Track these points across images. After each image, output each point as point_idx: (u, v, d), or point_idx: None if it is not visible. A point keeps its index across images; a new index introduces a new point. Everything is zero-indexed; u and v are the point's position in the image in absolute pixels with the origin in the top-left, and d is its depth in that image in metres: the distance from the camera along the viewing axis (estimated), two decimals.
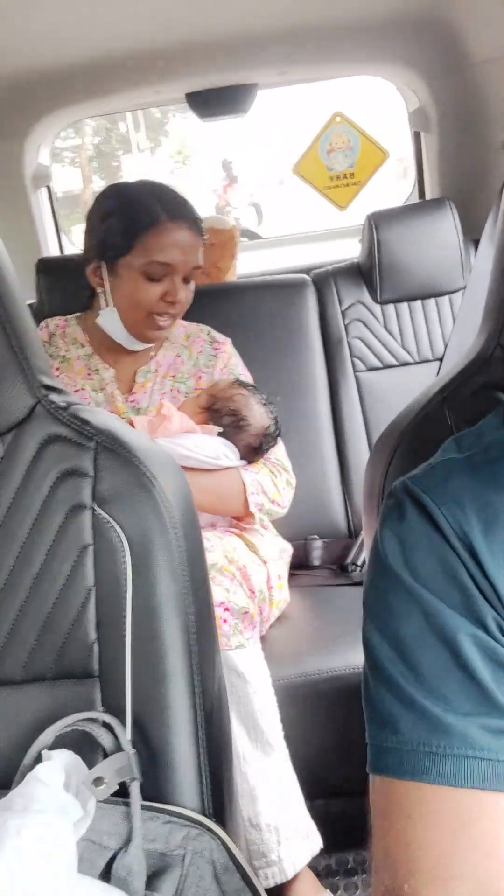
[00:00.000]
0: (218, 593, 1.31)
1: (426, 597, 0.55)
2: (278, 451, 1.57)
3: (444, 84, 1.95)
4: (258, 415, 1.49)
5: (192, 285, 1.52)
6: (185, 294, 1.50)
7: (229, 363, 1.60)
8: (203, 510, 1.45)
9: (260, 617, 1.43)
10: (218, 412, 1.48)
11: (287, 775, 1.31)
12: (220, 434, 1.47)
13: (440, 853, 0.50)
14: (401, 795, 0.52)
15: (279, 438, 1.56)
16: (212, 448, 1.43)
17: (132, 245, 1.44)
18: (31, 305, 1.94)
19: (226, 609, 1.30)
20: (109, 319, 1.50)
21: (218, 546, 1.39)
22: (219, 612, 1.29)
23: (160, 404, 1.47)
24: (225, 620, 1.29)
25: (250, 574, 1.41)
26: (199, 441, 1.43)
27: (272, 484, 1.50)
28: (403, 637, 0.55)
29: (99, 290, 1.51)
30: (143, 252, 1.44)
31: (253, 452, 1.50)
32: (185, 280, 1.49)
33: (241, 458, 1.49)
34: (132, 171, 12.72)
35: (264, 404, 1.52)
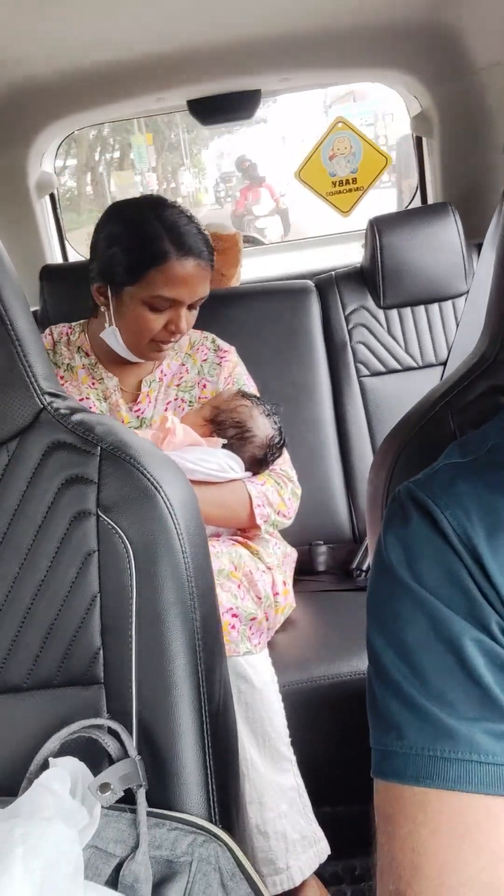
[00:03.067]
0: (226, 599, 1.30)
1: (430, 601, 0.55)
2: (283, 462, 1.56)
3: (445, 89, 1.96)
4: (262, 426, 1.48)
5: (197, 310, 1.51)
6: (189, 321, 1.48)
7: (234, 372, 1.59)
8: (209, 523, 1.44)
9: (267, 623, 1.43)
10: (222, 424, 1.47)
11: (295, 782, 1.31)
12: (224, 446, 1.46)
13: (445, 859, 0.50)
14: (405, 800, 0.52)
15: (284, 448, 1.56)
16: (217, 461, 1.42)
17: (138, 279, 1.41)
18: (34, 312, 1.94)
19: (234, 615, 1.30)
20: (112, 338, 1.49)
21: (224, 552, 1.39)
22: (227, 619, 1.29)
23: (163, 417, 1.46)
24: (233, 627, 1.29)
25: (256, 580, 1.41)
26: (204, 454, 1.42)
27: (277, 495, 1.49)
28: (408, 642, 0.55)
29: (103, 308, 1.49)
30: (149, 286, 1.41)
31: (258, 464, 1.49)
32: (190, 307, 1.48)
33: (247, 469, 1.48)
34: None
35: (268, 415, 1.50)
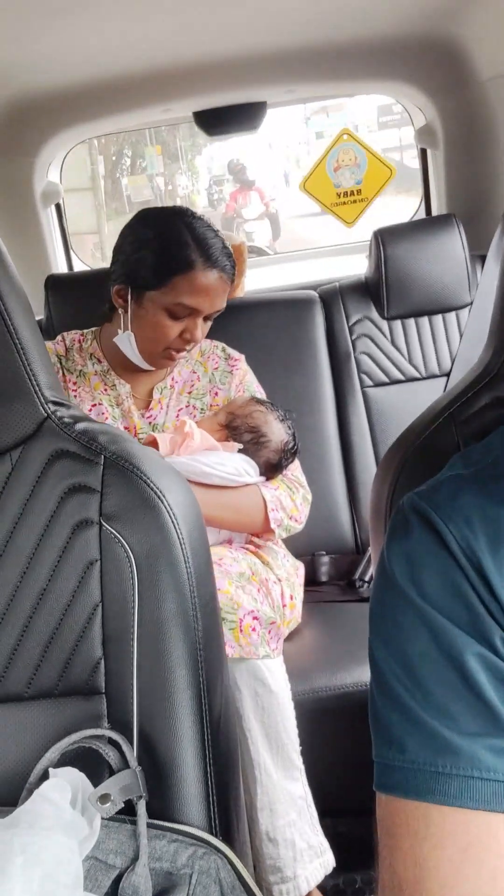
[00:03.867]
0: (247, 602, 1.30)
1: (433, 615, 0.55)
2: (294, 468, 1.57)
3: (450, 101, 1.97)
4: (277, 431, 1.50)
5: (211, 321, 1.53)
6: (203, 332, 1.50)
7: (244, 380, 1.61)
8: (224, 527, 1.45)
9: (284, 629, 1.43)
10: (237, 429, 1.49)
11: (303, 791, 1.30)
12: (240, 451, 1.47)
13: (446, 874, 0.49)
14: (407, 815, 0.52)
15: (296, 454, 1.57)
16: (233, 464, 1.44)
17: (163, 284, 1.43)
18: (39, 322, 1.95)
19: (255, 618, 1.30)
20: (126, 343, 1.50)
21: (242, 558, 1.40)
22: (248, 621, 1.28)
23: (182, 421, 1.47)
24: (254, 629, 1.28)
25: (270, 589, 1.42)
26: (221, 458, 1.43)
27: (290, 500, 1.50)
28: (410, 655, 0.55)
29: (121, 310, 1.50)
30: (172, 293, 1.43)
31: (273, 469, 1.50)
32: (206, 318, 1.50)
33: (261, 474, 1.49)
34: None
35: (282, 420, 1.52)
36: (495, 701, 0.51)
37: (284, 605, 1.47)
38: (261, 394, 1.62)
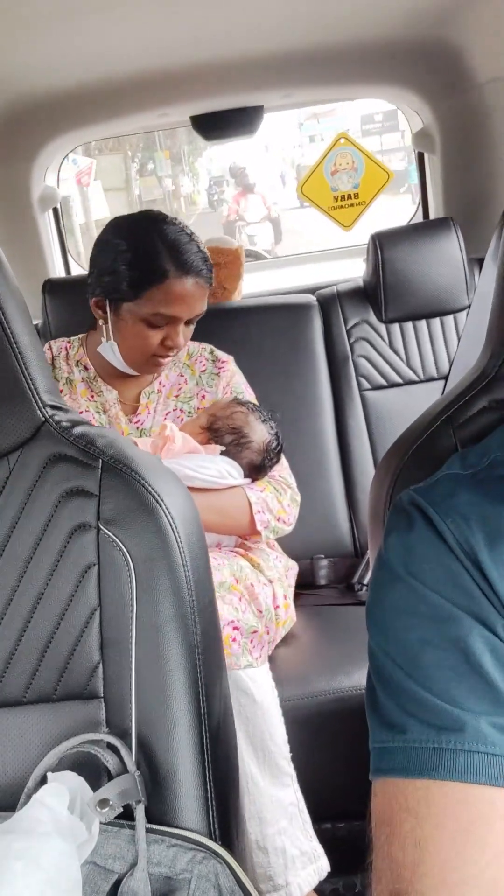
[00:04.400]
0: (227, 612, 1.30)
1: (434, 600, 0.55)
2: (282, 469, 1.57)
3: (446, 105, 1.97)
4: (259, 431, 1.49)
5: (194, 325, 1.52)
6: (186, 336, 1.50)
7: (232, 381, 1.60)
8: (210, 530, 1.45)
9: (268, 636, 1.42)
10: (219, 431, 1.48)
11: (295, 797, 1.30)
12: (222, 453, 1.47)
13: (448, 855, 0.49)
14: (408, 795, 0.51)
15: (282, 455, 1.56)
16: (216, 467, 1.43)
17: (138, 296, 1.42)
18: (36, 326, 1.95)
19: (235, 628, 1.30)
20: (110, 352, 1.50)
21: (225, 565, 1.39)
22: (228, 632, 1.28)
23: (162, 425, 1.47)
24: (234, 640, 1.29)
25: (257, 593, 1.41)
26: (203, 461, 1.43)
27: (277, 501, 1.50)
28: (411, 642, 0.55)
29: (101, 322, 1.50)
30: (148, 304, 1.42)
31: (256, 470, 1.50)
32: (187, 323, 1.49)
33: (245, 476, 1.49)
34: None
35: (264, 421, 1.52)
36: (499, 681, 0.51)
37: (277, 607, 1.47)
38: (250, 396, 1.61)
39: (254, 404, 1.55)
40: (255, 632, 1.33)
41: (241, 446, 1.48)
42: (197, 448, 1.45)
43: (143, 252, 1.42)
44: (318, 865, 1.29)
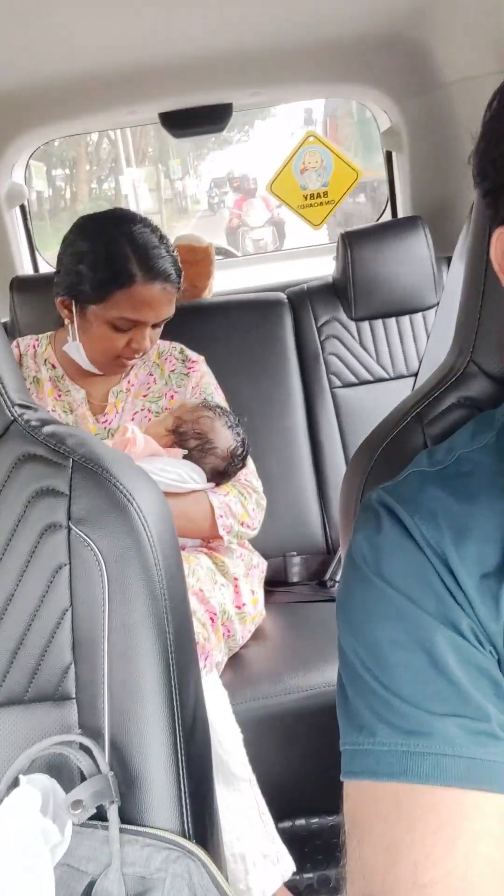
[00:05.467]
0: None
1: (401, 602, 0.55)
2: (248, 472, 1.56)
3: (414, 104, 1.99)
4: (224, 437, 1.48)
5: (161, 327, 1.50)
6: (153, 338, 1.48)
7: (201, 382, 1.59)
8: None
9: (227, 639, 1.41)
10: (184, 435, 1.46)
11: (253, 802, 1.28)
12: (185, 457, 1.45)
13: (418, 857, 0.49)
14: (378, 798, 0.52)
15: (249, 459, 1.55)
16: (178, 471, 1.42)
17: (103, 299, 1.40)
18: (4, 324, 1.93)
19: None
20: (76, 352, 1.49)
21: None
22: None
23: (124, 427, 1.46)
24: None
25: (210, 597, 1.39)
26: (165, 464, 1.41)
27: (241, 506, 1.49)
28: (380, 642, 0.55)
29: (67, 321, 1.48)
30: (114, 307, 1.40)
31: (220, 475, 1.49)
32: (154, 326, 1.47)
33: (209, 480, 1.47)
34: None
35: (230, 427, 1.50)
36: (465, 683, 0.52)
37: (244, 604, 1.47)
38: (219, 397, 1.60)
39: (221, 408, 1.54)
40: (196, 643, 1.32)
41: (206, 451, 1.46)
42: (159, 451, 1.43)
43: (110, 254, 1.39)
44: (281, 867, 1.28)
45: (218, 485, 1.49)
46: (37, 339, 1.62)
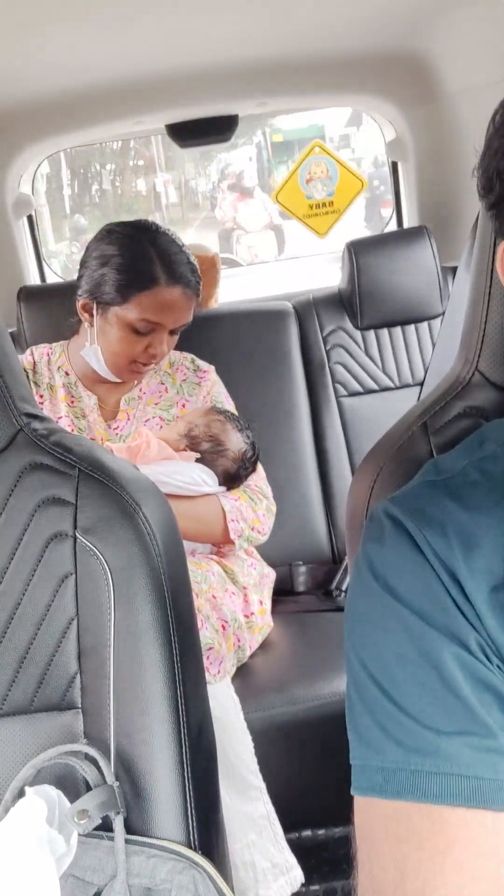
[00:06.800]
0: None
1: (409, 617, 0.55)
2: (258, 478, 1.57)
3: (419, 114, 1.99)
4: (235, 440, 1.50)
5: (178, 335, 1.53)
6: (170, 345, 1.51)
7: (212, 391, 1.61)
8: (183, 537, 1.43)
9: (237, 648, 1.41)
10: (196, 438, 1.48)
11: (264, 810, 1.28)
12: (198, 460, 1.47)
13: (427, 875, 0.49)
14: (386, 816, 0.52)
15: (258, 465, 1.56)
16: (190, 474, 1.43)
17: (126, 300, 1.43)
18: (11, 334, 1.93)
19: None
20: (93, 357, 1.51)
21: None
22: None
23: (138, 432, 1.48)
24: None
25: (221, 604, 1.40)
26: (177, 467, 1.43)
27: (252, 511, 1.50)
28: (387, 657, 0.55)
29: (87, 325, 1.51)
30: (136, 309, 1.43)
31: (231, 479, 1.50)
32: (171, 332, 1.50)
33: (220, 484, 1.49)
34: None
35: (241, 430, 1.52)
36: (473, 700, 0.51)
37: (252, 614, 1.47)
38: (230, 406, 1.61)
39: (231, 413, 1.56)
40: (210, 648, 1.32)
41: (217, 454, 1.48)
42: (172, 455, 1.45)
43: (134, 257, 1.44)
44: (290, 876, 1.27)
45: (229, 489, 1.50)
46: (50, 348, 1.64)
